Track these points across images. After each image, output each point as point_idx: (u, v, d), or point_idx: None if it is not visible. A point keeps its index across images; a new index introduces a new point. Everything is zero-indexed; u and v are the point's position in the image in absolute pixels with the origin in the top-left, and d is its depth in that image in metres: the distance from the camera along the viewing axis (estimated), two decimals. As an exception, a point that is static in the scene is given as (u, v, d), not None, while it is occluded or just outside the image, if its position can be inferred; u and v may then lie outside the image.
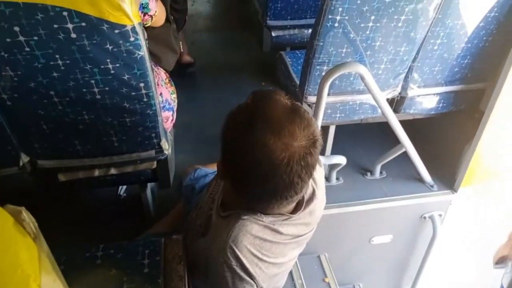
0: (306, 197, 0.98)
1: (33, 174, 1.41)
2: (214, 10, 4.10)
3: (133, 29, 1.02)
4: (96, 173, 1.45)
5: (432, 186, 2.01)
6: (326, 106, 1.63)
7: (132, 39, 1.04)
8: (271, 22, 2.43)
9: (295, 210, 0.97)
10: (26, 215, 0.57)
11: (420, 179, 2.06)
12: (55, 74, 1.10)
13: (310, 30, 2.50)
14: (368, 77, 1.49)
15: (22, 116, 1.21)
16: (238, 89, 2.78)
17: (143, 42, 1.07)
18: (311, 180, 1.00)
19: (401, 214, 2.04)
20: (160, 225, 1.69)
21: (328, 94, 1.56)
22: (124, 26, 1.01)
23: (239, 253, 0.90)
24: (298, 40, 2.53)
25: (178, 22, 2.15)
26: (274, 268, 0.97)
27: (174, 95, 1.62)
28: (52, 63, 1.07)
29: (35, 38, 1.00)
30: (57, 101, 1.18)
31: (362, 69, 1.46)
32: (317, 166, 0.98)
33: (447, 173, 2.03)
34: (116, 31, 1.01)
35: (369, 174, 2.09)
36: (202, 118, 2.49)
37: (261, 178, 0.81)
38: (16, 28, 0.97)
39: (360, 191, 2.02)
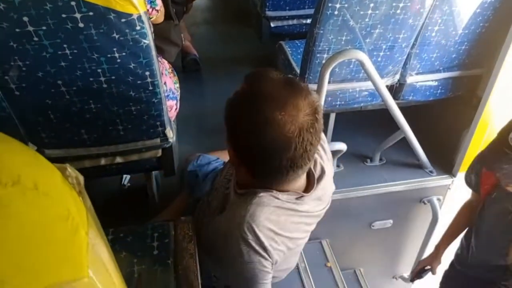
0: (316, 175, 1.02)
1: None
2: (212, 3, 4.10)
3: (139, 17, 1.05)
4: (103, 161, 1.48)
5: (431, 172, 2.05)
6: (327, 94, 1.66)
7: (138, 27, 1.07)
8: (269, 13, 2.45)
9: (307, 189, 1.00)
10: (71, 170, 0.60)
11: (419, 165, 2.10)
12: (62, 64, 1.12)
13: (308, 20, 2.55)
14: (368, 64, 1.51)
15: (29, 106, 1.24)
16: (238, 80, 2.77)
17: (149, 31, 1.10)
18: (318, 157, 1.04)
19: (401, 199, 2.08)
20: (164, 214, 1.72)
21: (329, 82, 1.59)
22: (131, 15, 1.03)
23: (256, 228, 0.93)
24: (296, 30, 2.55)
25: (177, 14, 2.17)
26: (289, 243, 1.01)
27: (177, 85, 1.65)
28: (60, 52, 1.09)
29: (44, 28, 1.02)
30: (64, 91, 1.20)
31: (361, 56, 1.49)
32: (321, 141, 1.01)
33: (445, 159, 2.07)
34: (123, 20, 1.03)
35: (369, 160, 2.12)
36: (203, 109, 2.51)
37: (277, 154, 0.83)
38: (25, 18, 1.00)
39: (360, 177, 2.05)
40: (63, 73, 1.15)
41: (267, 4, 2.40)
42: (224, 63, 3.03)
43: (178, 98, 1.64)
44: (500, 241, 1.39)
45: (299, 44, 2.16)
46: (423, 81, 1.85)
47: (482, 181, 1.41)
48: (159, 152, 1.51)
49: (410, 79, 1.82)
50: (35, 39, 1.04)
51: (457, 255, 1.67)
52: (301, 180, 0.99)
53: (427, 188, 2.04)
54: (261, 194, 0.94)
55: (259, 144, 0.83)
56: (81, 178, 0.62)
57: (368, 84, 1.72)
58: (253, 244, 0.93)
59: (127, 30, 1.06)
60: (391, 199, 2.07)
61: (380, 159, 2.12)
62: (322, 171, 1.04)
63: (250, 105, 0.83)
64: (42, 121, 1.29)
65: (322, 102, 1.62)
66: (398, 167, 2.11)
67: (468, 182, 1.52)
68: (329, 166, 1.09)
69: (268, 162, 0.87)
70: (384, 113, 1.79)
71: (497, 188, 1.34)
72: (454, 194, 2.06)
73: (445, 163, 2.07)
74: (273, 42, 2.65)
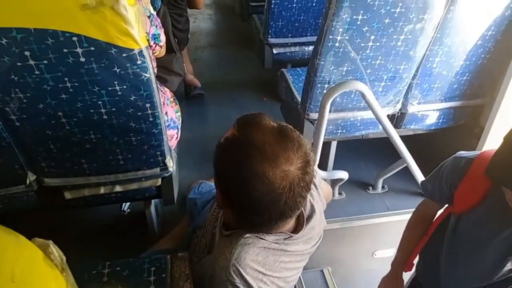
0: (306, 214, 0.99)
1: (39, 192, 1.43)
2: (215, 27, 4.17)
3: (140, 52, 1.06)
4: (102, 190, 1.47)
5: (433, 201, 2.03)
6: (328, 123, 1.65)
7: (139, 62, 1.07)
8: (272, 40, 2.48)
9: (296, 229, 0.98)
10: (53, 248, 0.59)
11: (421, 193, 2.07)
12: (63, 96, 1.13)
13: (310, 48, 2.57)
14: (369, 95, 1.52)
15: (30, 136, 1.24)
16: (239, 105, 2.81)
17: (150, 65, 1.11)
18: (309, 196, 1.02)
19: (404, 228, 2.04)
20: (164, 241, 1.70)
21: (330, 111, 1.59)
22: (132, 50, 1.04)
23: (242, 271, 0.90)
24: (299, 57, 2.58)
25: (181, 41, 2.20)
26: (280, 282, 0.98)
27: (179, 114, 1.65)
28: (61, 85, 1.10)
29: (45, 62, 1.03)
30: (65, 122, 1.21)
31: (362, 87, 1.49)
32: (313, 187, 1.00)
33: (448, 188, 2.05)
34: (124, 54, 1.04)
35: (371, 188, 2.11)
36: (204, 134, 2.52)
37: (266, 208, 0.82)
38: (27, 53, 1.01)
39: (362, 205, 2.03)
40: (64, 105, 1.15)
41: (270, 31, 2.43)
42: (227, 87, 3.05)
43: (179, 127, 1.64)
44: (487, 262, 1.12)
45: (300, 72, 2.17)
46: (425, 110, 1.85)
47: (459, 194, 1.13)
48: (159, 181, 1.50)
49: (411, 109, 1.82)
50: (36, 72, 1.05)
51: (418, 271, 1.48)
52: (291, 223, 0.97)
53: (430, 217, 2.01)
54: (247, 235, 0.92)
55: (248, 196, 0.80)
56: (63, 257, 0.61)
57: (370, 113, 1.71)
58: (241, 287, 0.91)
59: (128, 64, 1.07)
60: (394, 228, 2.03)
61: (382, 187, 2.11)
62: (312, 210, 1.02)
63: (241, 154, 0.80)
64: (43, 151, 1.29)
65: (323, 132, 1.62)
66: (400, 195, 2.09)
67: (431, 191, 1.29)
68: (319, 203, 1.07)
69: (256, 214, 0.85)
70: (386, 140, 1.78)
71: (487, 202, 1.08)
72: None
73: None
74: (275, 68, 2.68)
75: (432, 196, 1.31)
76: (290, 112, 2.10)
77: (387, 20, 1.44)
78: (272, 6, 2.29)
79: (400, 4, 1.41)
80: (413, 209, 1.99)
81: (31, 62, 1.03)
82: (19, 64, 1.03)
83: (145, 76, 1.12)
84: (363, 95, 1.51)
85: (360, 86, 1.49)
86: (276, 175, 0.78)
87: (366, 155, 2.21)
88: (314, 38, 2.53)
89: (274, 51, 2.52)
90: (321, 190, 1.14)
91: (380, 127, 1.76)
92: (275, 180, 0.78)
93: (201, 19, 4.13)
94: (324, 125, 1.60)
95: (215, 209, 1.19)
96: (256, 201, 0.81)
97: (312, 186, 1.04)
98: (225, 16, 4.38)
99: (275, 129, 0.83)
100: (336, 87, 1.49)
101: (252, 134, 0.82)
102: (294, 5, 2.31)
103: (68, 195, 1.46)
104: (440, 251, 1.27)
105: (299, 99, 1.94)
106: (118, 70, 1.08)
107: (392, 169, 1.93)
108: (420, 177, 1.91)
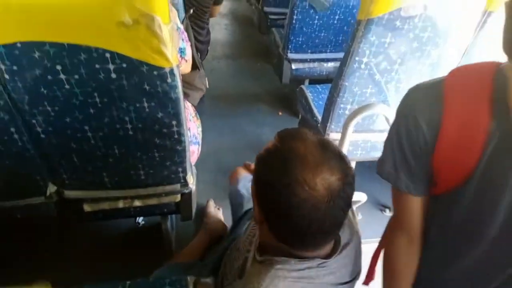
0: (343, 241, 0.96)
1: (58, 204, 1.42)
2: (232, 38, 4.17)
3: (171, 71, 1.05)
4: (121, 204, 1.46)
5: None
6: (348, 143, 1.64)
7: (169, 80, 1.07)
8: (292, 55, 2.47)
9: (330, 255, 0.95)
10: None
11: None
12: (91, 111, 1.12)
13: (329, 64, 2.57)
14: (392, 119, 1.50)
15: (54, 149, 1.23)
16: (255, 118, 2.81)
17: (179, 83, 1.10)
18: (347, 222, 0.97)
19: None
20: (180, 256, 1.69)
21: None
22: (163, 68, 1.03)
23: None
24: (317, 73, 2.56)
25: (202, 53, 2.20)
26: None
27: (200, 129, 1.65)
28: (90, 100, 1.09)
29: (76, 76, 1.03)
30: (90, 136, 1.20)
31: (386, 111, 1.47)
32: (351, 214, 0.97)
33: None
34: (155, 72, 1.04)
35: (387, 210, 2.07)
36: (219, 147, 2.50)
37: (303, 218, 0.79)
38: (58, 67, 1.01)
39: (379, 228, 1.99)
40: (91, 119, 1.15)
41: (290, 46, 2.42)
42: (243, 99, 3.04)
43: (200, 142, 1.63)
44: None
45: (320, 90, 2.16)
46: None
47: (446, 143, 0.74)
48: (178, 197, 1.48)
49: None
50: (67, 86, 1.05)
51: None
52: (327, 247, 0.94)
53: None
54: (278, 266, 0.89)
55: (287, 202, 0.78)
56: None
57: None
58: None
59: (158, 82, 1.06)
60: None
61: (399, 209, 2.07)
62: (350, 239, 0.99)
63: (282, 163, 0.80)
64: (65, 163, 1.29)
65: (345, 152, 1.60)
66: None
67: (398, 178, 0.86)
68: (356, 237, 1.04)
69: (294, 225, 0.83)
70: None
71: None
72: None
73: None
74: (292, 82, 2.67)
75: (397, 183, 0.86)
76: (309, 129, 2.08)
77: (415, 44, 1.43)
78: (294, 21, 2.29)
79: (429, 29, 1.39)
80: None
81: (62, 76, 1.02)
82: (49, 77, 1.03)
83: (174, 95, 1.11)
84: (387, 120, 1.49)
85: (384, 109, 1.47)
86: (317, 182, 0.76)
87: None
88: (334, 55, 2.56)
89: (293, 67, 2.51)
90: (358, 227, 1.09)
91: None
92: (315, 187, 0.76)
93: (217, 29, 4.13)
94: (346, 146, 1.58)
95: (250, 233, 1.17)
96: (294, 209, 0.78)
97: (352, 216, 1.01)
98: (242, 27, 4.37)
99: (317, 141, 0.82)
100: (361, 109, 1.48)
101: (294, 144, 0.81)
102: (316, 21, 2.30)
103: (87, 207, 1.45)
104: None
105: (319, 117, 1.92)
106: (147, 88, 1.08)
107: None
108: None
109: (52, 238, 1.77)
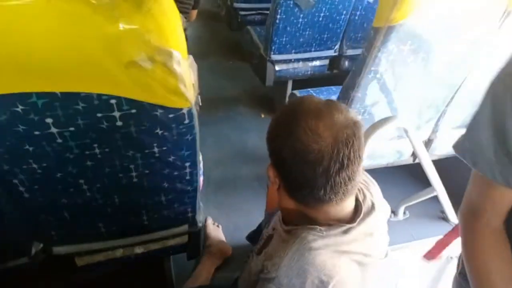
0: (364, 209, 0.90)
1: (46, 262, 1.21)
2: (198, 35, 3.88)
3: (189, 111, 0.87)
4: (119, 254, 1.27)
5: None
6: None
7: (186, 121, 0.88)
8: (275, 57, 2.30)
9: (352, 219, 0.88)
10: None
11: (444, 217, 1.99)
12: (88, 163, 0.92)
13: (314, 63, 2.43)
14: (411, 132, 1.40)
15: (40, 207, 1.02)
16: (237, 123, 2.64)
17: (196, 123, 0.92)
18: (368, 194, 0.94)
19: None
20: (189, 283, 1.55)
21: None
22: (180, 109, 0.85)
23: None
24: (301, 73, 2.42)
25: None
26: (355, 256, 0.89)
27: (201, 156, 1.46)
28: (87, 152, 0.89)
29: (71, 128, 0.82)
30: (86, 189, 1.00)
31: (406, 125, 1.37)
32: (371, 183, 0.98)
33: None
34: (171, 115, 0.85)
35: (392, 215, 2.00)
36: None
37: (310, 163, 0.77)
38: (49, 120, 0.80)
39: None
40: (88, 172, 0.95)
41: (273, 47, 2.26)
42: (222, 102, 2.88)
43: (203, 169, 1.46)
44: None
45: (312, 93, 2.02)
46: (454, 136, 1.75)
47: None
48: (186, 238, 1.31)
49: (441, 135, 1.72)
50: (59, 140, 0.84)
51: None
52: (346, 209, 0.88)
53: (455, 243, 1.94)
54: (303, 234, 0.86)
55: (293, 150, 0.79)
56: None
57: (397, 144, 1.61)
58: None
59: (173, 125, 0.88)
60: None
61: (404, 213, 2.00)
62: (373, 208, 0.92)
63: (288, 117, 0.82)
64: (54, 220, 1.08)
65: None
66: (422, 220, 2.00)
67: (487, 161, 0.70)
68: (381, 207, 0.97)
69: (301, 170, 0.80)
70: (407, 167, 1.68)
71: None
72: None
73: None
74: (276, 83, 2.51)
75: (489, 171, 0.70)
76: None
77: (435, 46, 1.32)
78: (277, 21, 2.12)
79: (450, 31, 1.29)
80: (439, 237, 1.92)
81: (53, 130, 0.82)
82: (36, 133, 0.81)
83: (190, 136, 0.93)
84: (406, 132, 1.39)
85: (403, 123, 1.37)
86: (319, 126, 0.77)
87: (386, 181, 2.10)
88: (318, 54, 2.42)
89: (277, 68, 2.35)
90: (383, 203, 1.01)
91: (405, 156, 1.67)
92: (317, 131, 0.77)
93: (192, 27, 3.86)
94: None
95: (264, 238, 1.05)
96: (298, 152, 0.78)
97: (373, 187, 1.00)
98: (208, 23, 4.10)
99: (324, 100, 0.84)
100: (378, 124, 1.36)
101: (303, 101, 0.84)
102: (300, 20, 2.14)
103: (79, 262, 1.25)
104: None
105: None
106: (160, 132, 0.89)
107: (419, 196, 1.83)
108: (447, 205, 1.83)
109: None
